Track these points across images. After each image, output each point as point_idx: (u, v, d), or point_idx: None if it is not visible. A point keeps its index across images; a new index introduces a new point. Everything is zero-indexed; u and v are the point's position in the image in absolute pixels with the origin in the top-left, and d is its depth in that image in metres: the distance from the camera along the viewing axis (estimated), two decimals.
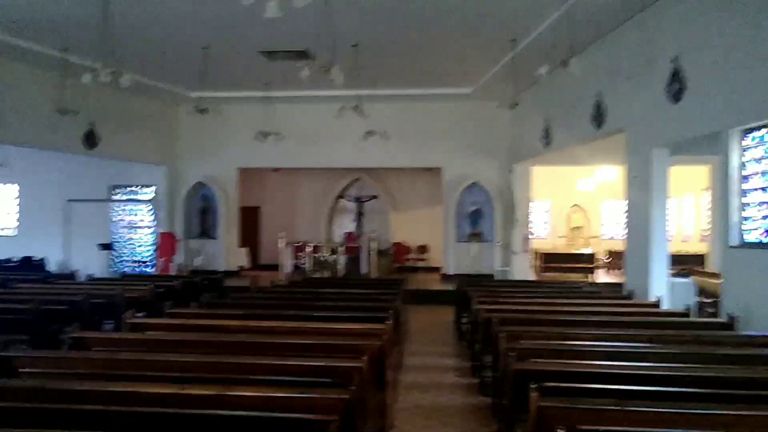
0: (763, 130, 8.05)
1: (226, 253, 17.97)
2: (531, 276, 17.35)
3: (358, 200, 21.58)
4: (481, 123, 17.22)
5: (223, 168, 18.03)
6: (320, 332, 5.95)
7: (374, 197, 21.53)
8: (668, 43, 9.45)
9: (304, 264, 16.86)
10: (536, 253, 18.81)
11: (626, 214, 10.75)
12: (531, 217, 17.42)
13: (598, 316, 7.19)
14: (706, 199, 17.30)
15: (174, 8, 10.51)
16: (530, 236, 17.21)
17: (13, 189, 19.08)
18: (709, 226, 15.53)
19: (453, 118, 17.42)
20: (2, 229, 19.17)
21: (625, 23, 10.65)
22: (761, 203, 8.05)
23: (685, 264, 14.86)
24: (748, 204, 8.24)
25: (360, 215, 21.63)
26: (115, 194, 18.47)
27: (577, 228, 21.99)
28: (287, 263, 17.30)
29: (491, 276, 16.54)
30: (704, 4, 8.82)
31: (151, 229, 18.25)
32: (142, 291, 9.70)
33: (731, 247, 8.28)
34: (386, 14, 10.67)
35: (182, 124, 18.11)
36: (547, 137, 13.93)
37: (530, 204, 16.99)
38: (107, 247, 17.75)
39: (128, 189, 18.56)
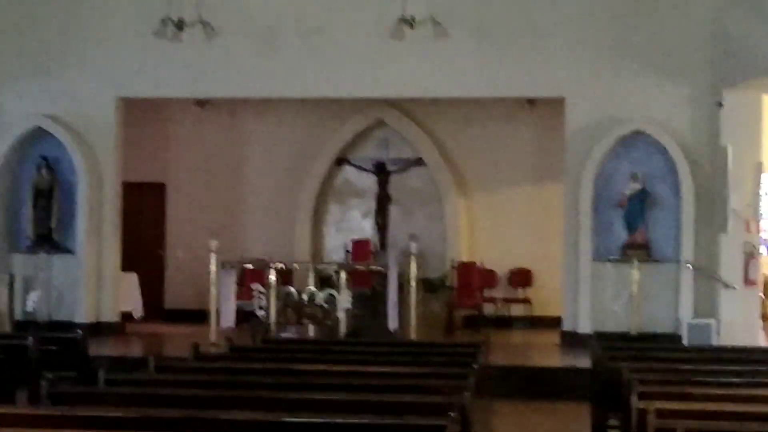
0: None
1: (93, 284, 18.18)
2: (761, 338, 17.21)
3: (381, 170, 21.60)
4: (652, 5, 17.21)
5: (88, 99, 18.20)
6: None
7: (415, 163, 21.55)
8: None
9: (262, 310, 16.95)
10: None
11: None
12: (762, 209, 17.28)
13: None
14: None
15: None
16: (759, 251, 17.09)
17: None
18: None
19: None
20: None
21: None
22: None
23: None
24: None
25: (384, 203, 21.66)
26: None
27: None
28: (226, 307, 17.39)
29: (674, 338, 16.49)
30: None
31: None
32: None
33: None
34: None
35: None
36: None
37: (760, 179, 16.85)
38: None
39: None
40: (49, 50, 18.18)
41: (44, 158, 18.12)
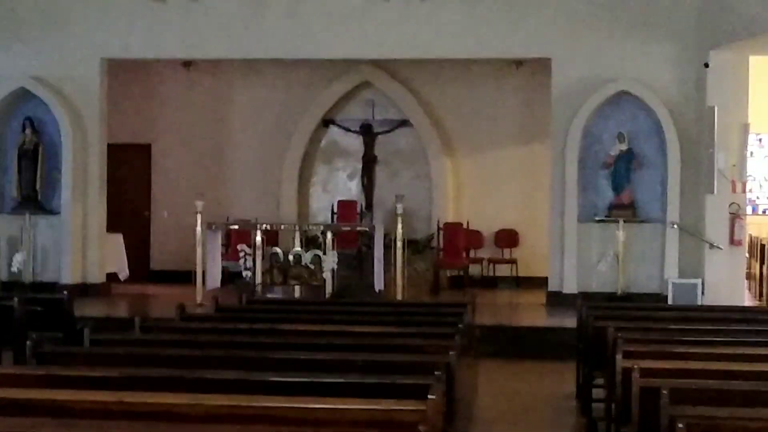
0: None
1: (78, 245, 18.19)
2: (746, 297, 17.29)
3: (367, 131, 21.57)
4: None
5: (74, 60, 18.15)
6: (289, 418, 6.03)
7: (401, 124, 21.52)
8: None
9: (248, 270, 16.97)
10: (758, 247, 18.74)
11: None
12: (748, 170, 17.29)
13: None
14: None
15: None
16: (745, 212, 17.10)
17: None
18: None
19: None
20: None
21: None
22: None
23: None
24: None
25: (370, 163, 21.64)
26: None
27: None
28: (212, 267, 17.41)
29: (659, 297, 16.58)
30: None
31: None
32: None
33: None
34: None
35: None
36: None
37: (746, 140, 16.85)
38: None
39: None
40: (34, 11, 18.09)
41: (29, 119, 18.07)
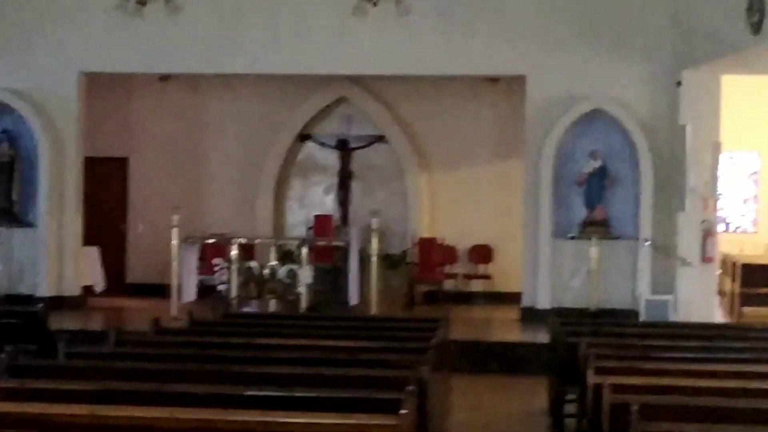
0: None
1: (54, 258, 18.14)
2: (717, 314, 17.34)
3: (344, 146, 21.58)
4: None
5: (50, 73, 18.12)
6: None
7: (377, 140, 21.55)
8: None
9: (224, 284, 16.95)
10: (730, 264, 18.79)
11: None
12: (719, 188, 17.36)
13: None
14: None
15: None
16: (717, 229, 17.17)
17: None
18: None
19: None
20: None
21: None
22: None
23: None
24: None
25: (347, 179, 21.65)
26: None
27: None
28: (188, 281, 17.39)
29: (631, 314, 16.62)
30: None
31: None
32: None
33: None
34: None
35: None
36: (756, 14, 13.88)
37: (718, 158, 16.93)
38: None
39: None
40: (11, 24, 18.03)
41: (5, 132, 18.03)
